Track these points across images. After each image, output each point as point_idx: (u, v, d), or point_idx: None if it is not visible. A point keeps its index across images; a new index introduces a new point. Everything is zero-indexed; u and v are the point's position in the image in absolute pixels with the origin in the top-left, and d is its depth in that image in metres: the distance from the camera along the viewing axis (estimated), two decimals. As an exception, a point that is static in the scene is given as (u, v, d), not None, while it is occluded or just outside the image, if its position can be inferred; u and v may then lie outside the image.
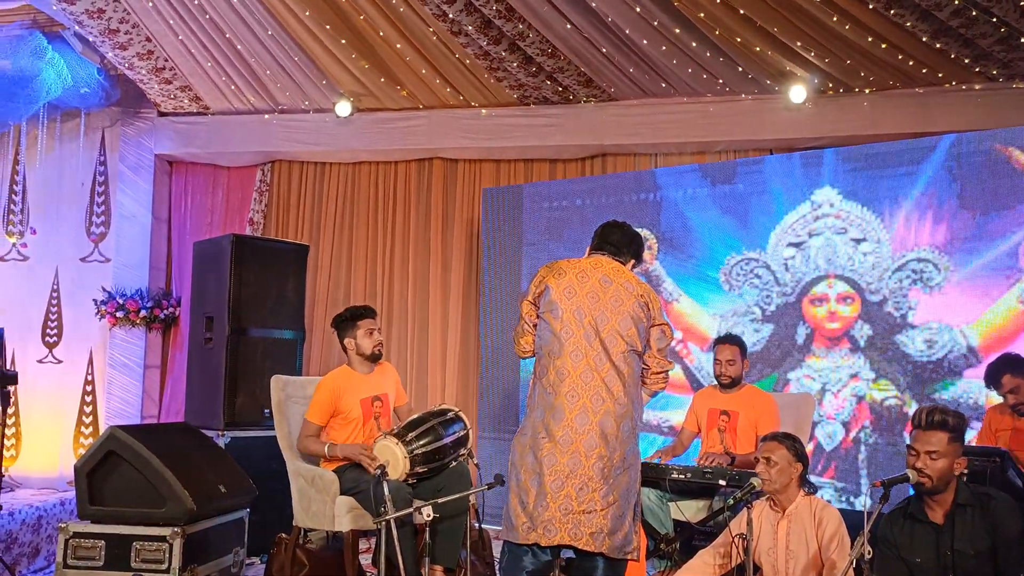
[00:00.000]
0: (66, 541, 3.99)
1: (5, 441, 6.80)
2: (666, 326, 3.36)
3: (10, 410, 6.86)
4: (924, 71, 5.78)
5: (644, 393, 3.40)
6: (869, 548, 2.76)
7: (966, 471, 3.03)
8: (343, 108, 6.85)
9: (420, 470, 4.08)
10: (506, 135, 6.77)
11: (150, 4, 6.10)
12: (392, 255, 7.15)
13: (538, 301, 3.30)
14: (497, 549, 4.26)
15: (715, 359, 4.72)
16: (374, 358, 4.50)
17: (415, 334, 7.00)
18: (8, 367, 6.64)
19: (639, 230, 3.66)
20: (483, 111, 6.80)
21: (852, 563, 2.84)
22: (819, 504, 3.50)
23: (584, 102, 6.63)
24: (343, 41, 6.23)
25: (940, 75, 5.82)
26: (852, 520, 3.41)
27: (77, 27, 6.35)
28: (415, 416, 4.26)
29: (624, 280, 3.28)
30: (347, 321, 4.52)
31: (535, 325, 3.32)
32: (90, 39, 6.48)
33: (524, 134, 6.73)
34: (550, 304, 3.23)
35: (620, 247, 3.42)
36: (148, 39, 6.46)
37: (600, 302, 3.21)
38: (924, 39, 5.42)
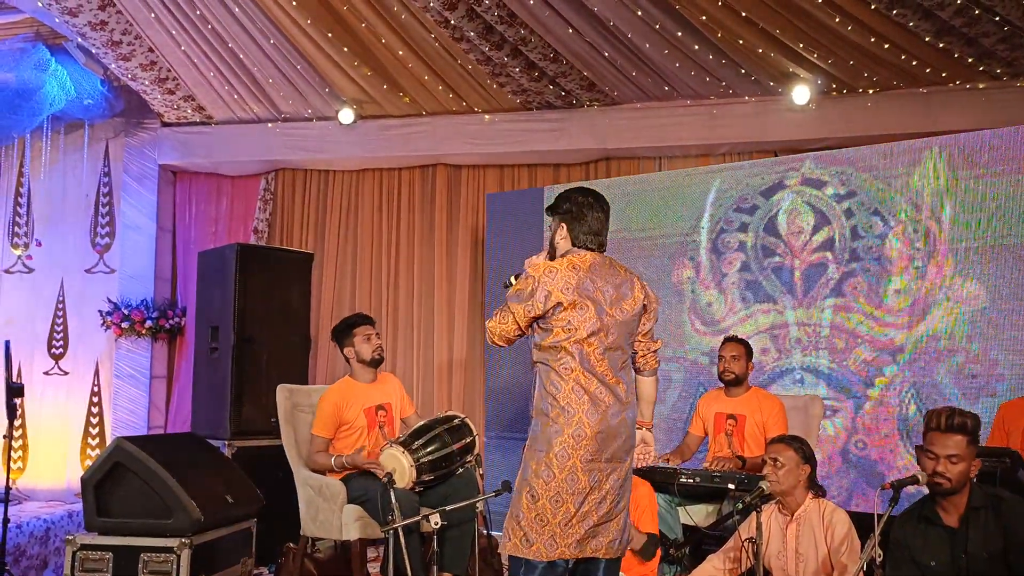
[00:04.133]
0: (74, 553, 3.98)
1: (12, 454, 6.81)
2: (656, 308, 3.24)
3: (17, 422, 6.87)
4: (927, 71, 5.76)
5: (647, 384, 3.29)
6: (880, 551, 2.74)
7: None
8: (346, 115, 6.84)
9: (427, 478, 4.07)
10: (509, 140, 6.76)
11: (152, 15, 6.11)
12: (397, 261, 7.15)
13: (545, 313, 3.04)
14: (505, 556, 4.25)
15: (719, 356, 4.72)
16: (375, 363, 4.52)
17: (421, 340, 6.99)
18: (15, 379, 6.65)
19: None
20: (486, 116, 6.80)
21: (863, 566, 2.82)
22: (828, 507, 3.48)
23: (587, 106, 6.63)
24: (345, 49, 6.24)
25: (944, 74, 5.80)
26: (860, 522, 3.40)
27: (80, 39, 6.37)
28: (421, 424, 4.26)
29: (626, 298, 3.11)
30: (344, 330, 4.55)
31: (526, 332, 3.12)
32: (93, 51, 6.50)
33: (527, 139, 6.73)
34: (562, 320, 3.02)
35: (601, 231, 3.19)
36: (151, 50, 6.48)
37: (605, 316, 3.05)
38: (927, 39, 5.41)
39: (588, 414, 2.99)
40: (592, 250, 3.18)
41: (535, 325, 3.09)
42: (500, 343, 3.17)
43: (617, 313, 3.09)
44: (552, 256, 3.25)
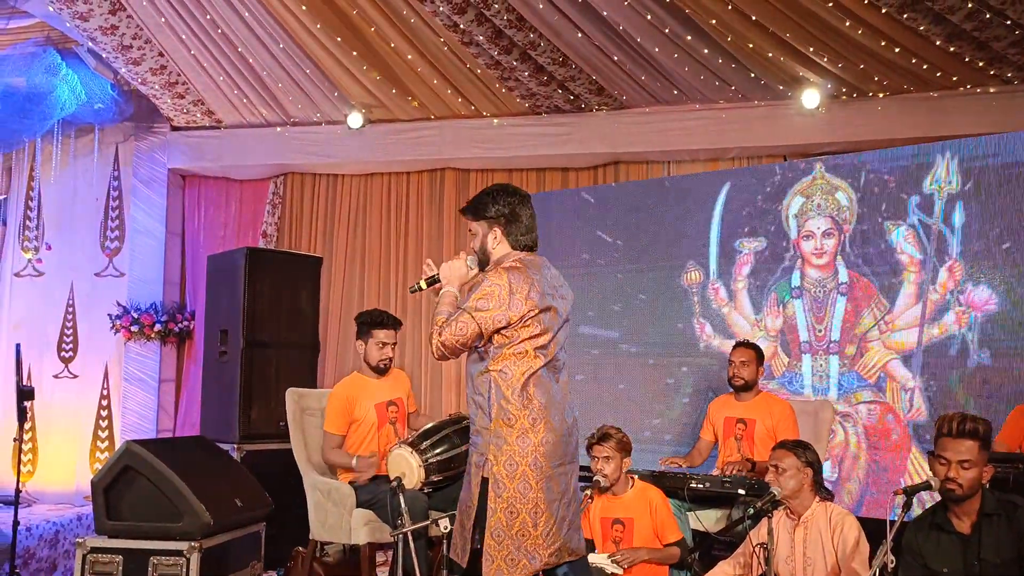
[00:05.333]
0: (84, 556, 3.99)
1: (22, 456, 6.83)
2: None
3: (27, 425, 6.89)
4: (938, 75, 5.74)
5: None
6: (892, 557, 2.72)
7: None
8: (355, 120, 6.85)
9: (435, 479, 4.06)
10: (518, 144, 6.76)
11: (162, 20, 6.13)
12: (405, 265, 7.14)
13: (515, 320, 2.91)
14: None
15: (730, 361, 4.70)
16: (378, 371, 4.49)
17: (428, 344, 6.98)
18: (25, 382, 6.67)
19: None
20: (495, 120, 6.80)
21: (875, 573, 2.80)
22: (836, 511, 3.47)
23: (596, 110, 6.62)
24: (354, 53, 6.25)
25: (954, 79, 5.78)
26: (871, 527, 3.38)
27: (91, 43, 6.40)
28: (431, 424, 4.25)
29: (566, 303, 3.11)
30: (365, 325, 4.51)
31: (483, 343, 2.98)
32: (103, 55, 6.52)
33: (536, 143, 6.72)
34: (530, 325, 2.93)
35: (534, 227, 3.09)
36: (161, 54, 6.50)
37: (562, 318, 3.05)
38: (938, 43, 5.39)
39: (553, 418, 2.95)
40: (531, 250, 3.09)
41: (495, 333, 2.94)
42: (450, 356, 3.01)
43: (564, 313, 3.08)
44: (485, 263, 3.11)
